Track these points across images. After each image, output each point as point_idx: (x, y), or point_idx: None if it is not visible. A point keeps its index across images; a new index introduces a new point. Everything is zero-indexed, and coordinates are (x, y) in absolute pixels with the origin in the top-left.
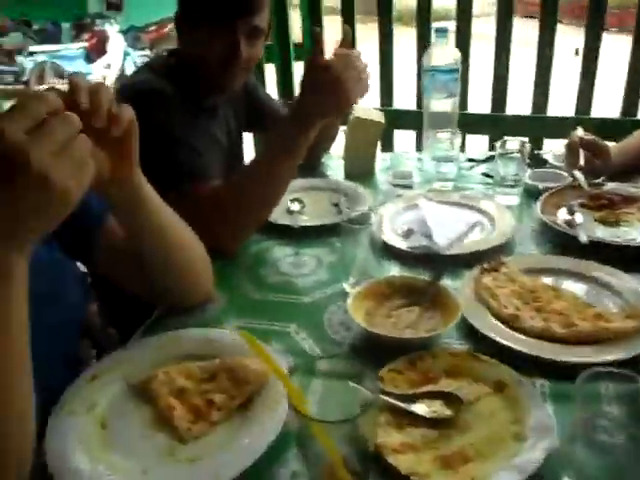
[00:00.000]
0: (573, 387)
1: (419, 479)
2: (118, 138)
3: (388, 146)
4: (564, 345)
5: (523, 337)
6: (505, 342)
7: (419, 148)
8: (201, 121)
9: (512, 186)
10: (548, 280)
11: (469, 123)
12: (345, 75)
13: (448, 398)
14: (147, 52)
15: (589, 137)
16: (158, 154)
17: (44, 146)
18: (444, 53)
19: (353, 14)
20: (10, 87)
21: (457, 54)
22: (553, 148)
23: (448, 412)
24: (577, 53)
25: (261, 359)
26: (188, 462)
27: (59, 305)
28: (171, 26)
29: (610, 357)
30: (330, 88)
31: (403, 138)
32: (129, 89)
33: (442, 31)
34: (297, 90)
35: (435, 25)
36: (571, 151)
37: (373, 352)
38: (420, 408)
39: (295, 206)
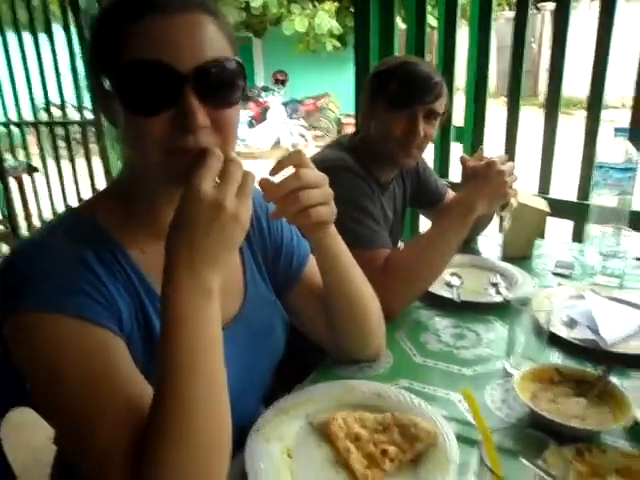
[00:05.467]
0: None
1: None
2: None
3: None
4: None
5: None
6: None
7: (575, 239)
8: (377, 195)
9: None
10: None
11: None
12: (502, 171)
13: None
14: (302, 122)
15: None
16: (345, 220)
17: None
18: (620, 149)
19: (518, 98)
20: None
21: (634, 152)
22: None
23: None
24: None
25: (475, 418)
26: None
27: (270, 339)
28: (324, 100)
29: None
30: (492, 182)
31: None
32: (323, 162)
33: (622, 130)
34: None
35: (616, 125)
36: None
37: (535, 434)
38: None
39: (455, 280)
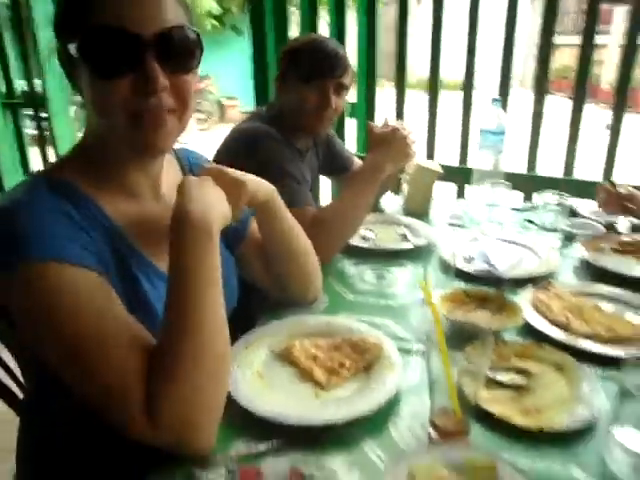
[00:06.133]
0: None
1: (506, 419)
2: None
3: None
4: (609, 345)
5: (576, 338)
6: (562, 339)
7: (459, 197)
8: (297, 160)
9: (552, 231)
10: (588, 300)
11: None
12: (405, 135)
13: (519, 372)
14: None
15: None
16: (274, 183)
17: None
18: (495, 117)
19: (404, 81)
20: None
21: (504, 118)
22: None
23: (523, 381)
24: (608, 127)
25: (429, 302)
26: (332, 401)
27: (226, 289)
28: (205, 82)
29: None
30: (397, 145)
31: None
32: (248, 133)
33: (497, 100)
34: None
35: (493, 96)
36: (606, 196)
37: (454, 339)
38: (501, 376)
39: (369, 234)
